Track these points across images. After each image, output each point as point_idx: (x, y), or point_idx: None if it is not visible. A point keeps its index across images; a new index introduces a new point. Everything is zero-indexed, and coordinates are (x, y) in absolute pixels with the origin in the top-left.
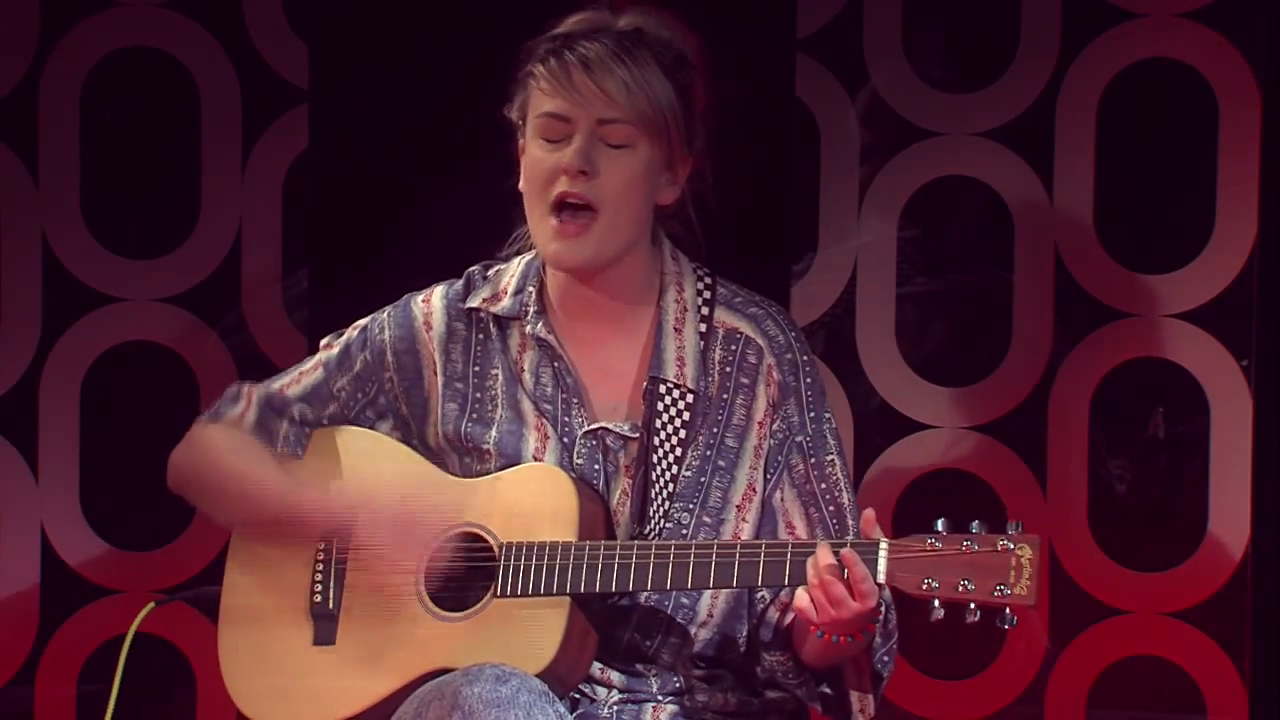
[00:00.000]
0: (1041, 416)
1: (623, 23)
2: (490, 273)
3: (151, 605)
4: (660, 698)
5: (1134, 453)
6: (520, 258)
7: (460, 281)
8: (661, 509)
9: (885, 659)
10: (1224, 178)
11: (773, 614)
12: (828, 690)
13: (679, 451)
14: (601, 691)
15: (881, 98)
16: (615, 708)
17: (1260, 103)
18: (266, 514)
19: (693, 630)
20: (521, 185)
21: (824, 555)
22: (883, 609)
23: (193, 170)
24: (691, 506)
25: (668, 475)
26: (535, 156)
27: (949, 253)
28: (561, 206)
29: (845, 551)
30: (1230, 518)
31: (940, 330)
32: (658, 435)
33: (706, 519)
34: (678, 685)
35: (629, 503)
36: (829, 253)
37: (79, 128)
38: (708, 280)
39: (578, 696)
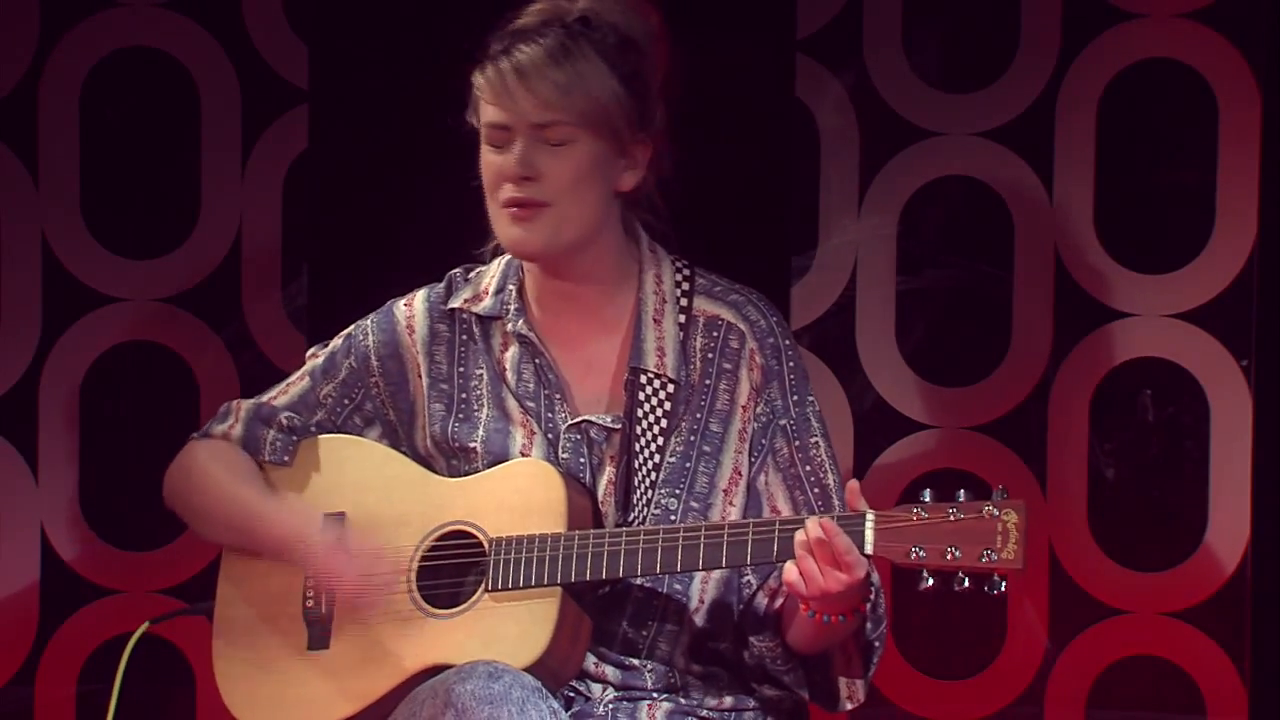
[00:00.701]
0: (1041, 416)
1: (575, 9)
2: (471, 274)
3: (146, 625)
4: (656, 694)
5: (1134, 453)
6: (500, 258)
7: (441, 284)
8: (645, 495)
9: (876, 644)
10: (1224, 178)
11: (761, 599)
12: (815, 676)
13: (661, 440)
14: (596, 689)
15: (882, 98)
16: (611, 705)
17: (1260, 103)
18: (235, 521)
19: (686, 617)
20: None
21: (812, 528)
22: (873, 592)
23: (193, 170)
24: (678, 492)
25: (651, 463)
26: (485, 160)
27: (948, 253)
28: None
29: (826, 522)
30: (1230, 518)
31: (940, 330)
32: (639, 424)
33: (694, 504)
34: (673, 681)
35: (615, 492)
36: (828, 252)
37: (79, 128)
38: (686, 271)
39: (572, 694)
